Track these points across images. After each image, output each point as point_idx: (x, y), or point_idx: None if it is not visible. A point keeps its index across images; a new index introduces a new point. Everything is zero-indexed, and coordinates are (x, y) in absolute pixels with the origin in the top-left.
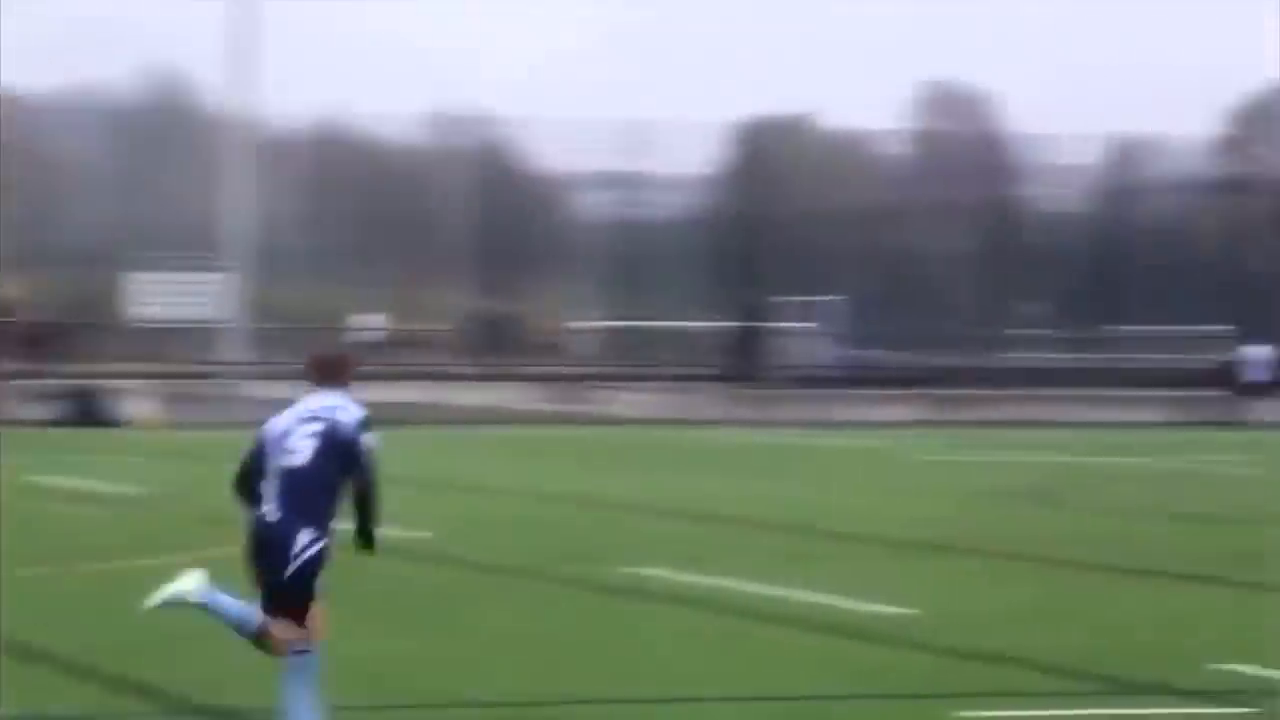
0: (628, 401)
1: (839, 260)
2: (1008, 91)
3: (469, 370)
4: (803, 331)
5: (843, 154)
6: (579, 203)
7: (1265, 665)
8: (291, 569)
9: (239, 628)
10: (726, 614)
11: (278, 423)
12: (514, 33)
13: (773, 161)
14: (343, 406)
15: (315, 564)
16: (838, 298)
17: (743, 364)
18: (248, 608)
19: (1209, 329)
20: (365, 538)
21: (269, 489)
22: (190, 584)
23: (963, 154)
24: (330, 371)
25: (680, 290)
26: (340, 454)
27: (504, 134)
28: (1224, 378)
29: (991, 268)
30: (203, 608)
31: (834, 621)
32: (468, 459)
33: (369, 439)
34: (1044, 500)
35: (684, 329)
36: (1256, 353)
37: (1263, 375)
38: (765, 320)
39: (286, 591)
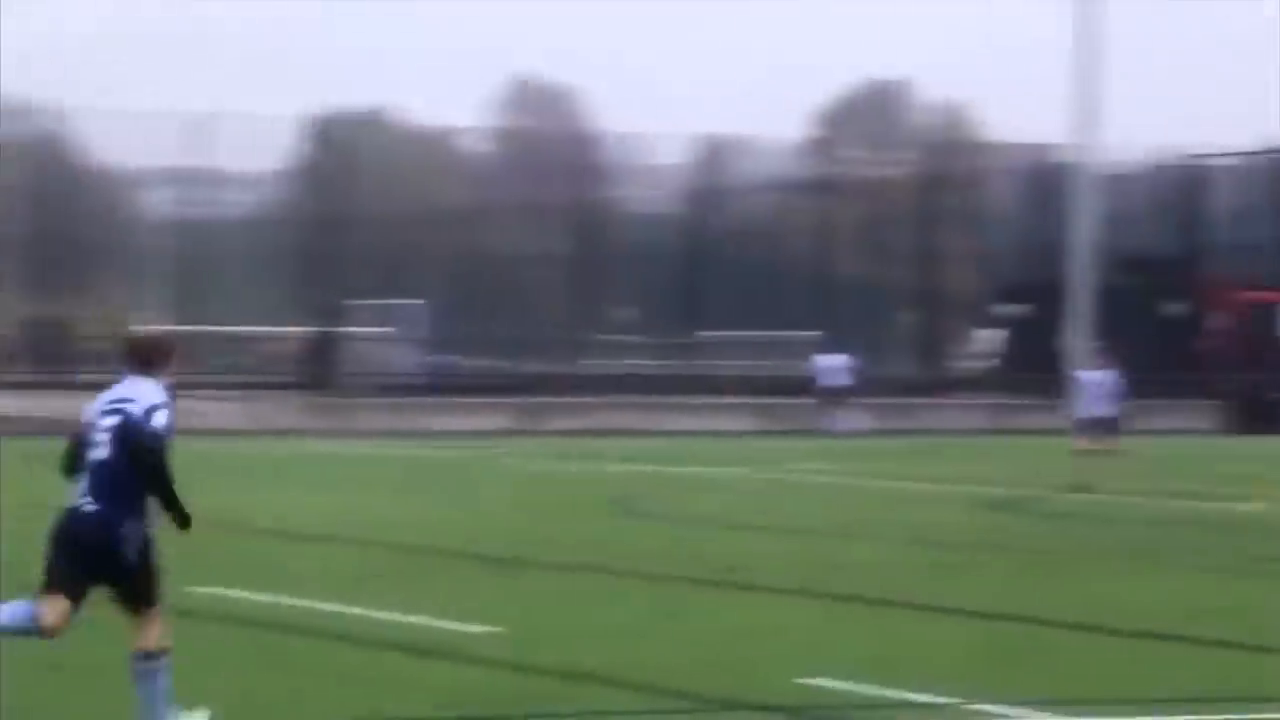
0: (197, 411)
1: (420, 262)
2: (595, 89)
3: (22, 378)
4: (381, 337)
5: (426, 151)
6: (141, 200)
7: (848, 679)
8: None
9: (23, 631)
10: (307, 635)
11: (90, 409)
12: (55, 13)
13: (349, 158)
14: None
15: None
16: (417, 302)
17: (318, 371)
18: (18, 608)
19: (798, 335)
20: (177, 519)
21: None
22: None
23: (550, 153)
24: (144, 358)
25: (252, 293)
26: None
27: (57, 125)
28: (808, 385)
29: (580, 271)
30: None
31: (418, 641)
32: (22, 472)
33: (160, 426)
34: (632, 511)
35: (256, 334)
36: (832, 360)
37: (841, 381)
38: (341, 325)
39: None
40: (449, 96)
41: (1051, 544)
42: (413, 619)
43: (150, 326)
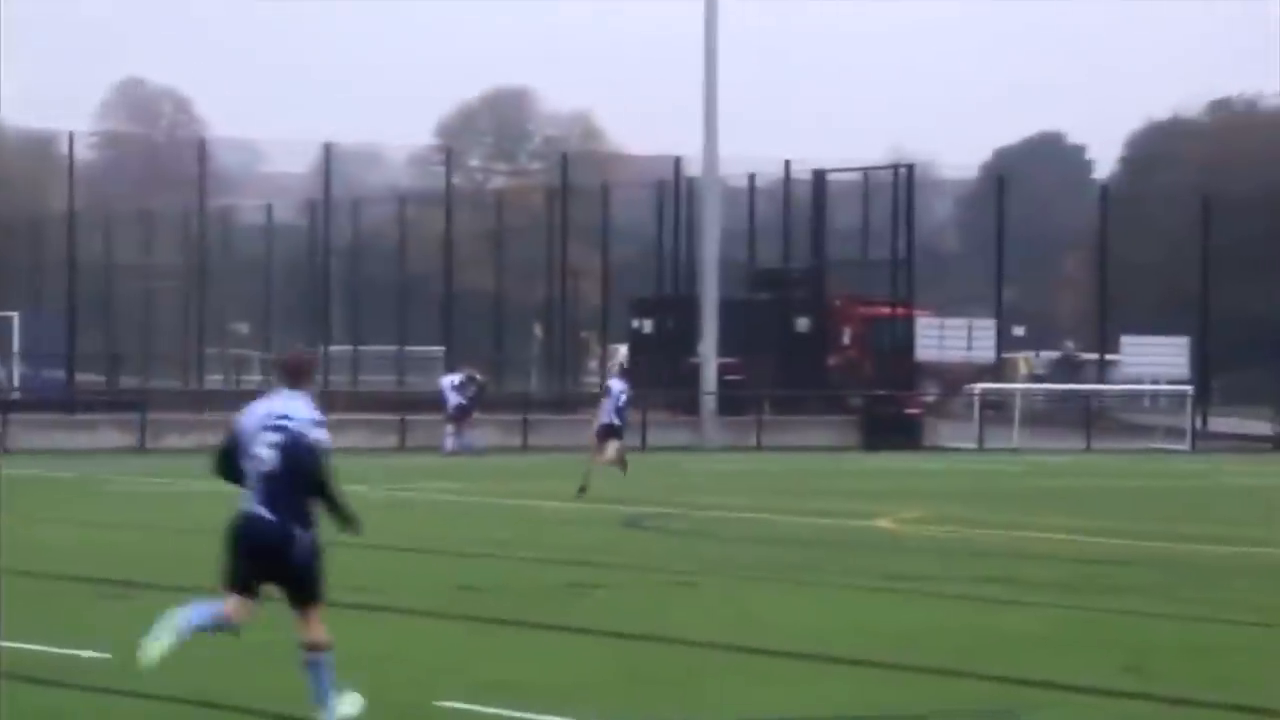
0: None
1: (17, 272)
2: (208, 93)
3: None
4: None
5: (26, 155)
6: None
7: (480, 701)
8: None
9: (214, 627)
10: None
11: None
12: None
13: None
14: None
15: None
16: (8, 314)
17: None
18: (206, 608)
19: (423, 350)
20: (343, 523)
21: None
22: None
23: (161, 159)
24: (295, 374)
25: None
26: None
27: None
28: (437, 402)
29: (194, 283)
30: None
31: (25, 667)
32: None
33: (321, 439)
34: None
35: None
36: (448, 379)
37: (463, 398)
38: None
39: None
40: (52, 98)
41: (688, 562)
42: (20, 645)
43: (298, 346)
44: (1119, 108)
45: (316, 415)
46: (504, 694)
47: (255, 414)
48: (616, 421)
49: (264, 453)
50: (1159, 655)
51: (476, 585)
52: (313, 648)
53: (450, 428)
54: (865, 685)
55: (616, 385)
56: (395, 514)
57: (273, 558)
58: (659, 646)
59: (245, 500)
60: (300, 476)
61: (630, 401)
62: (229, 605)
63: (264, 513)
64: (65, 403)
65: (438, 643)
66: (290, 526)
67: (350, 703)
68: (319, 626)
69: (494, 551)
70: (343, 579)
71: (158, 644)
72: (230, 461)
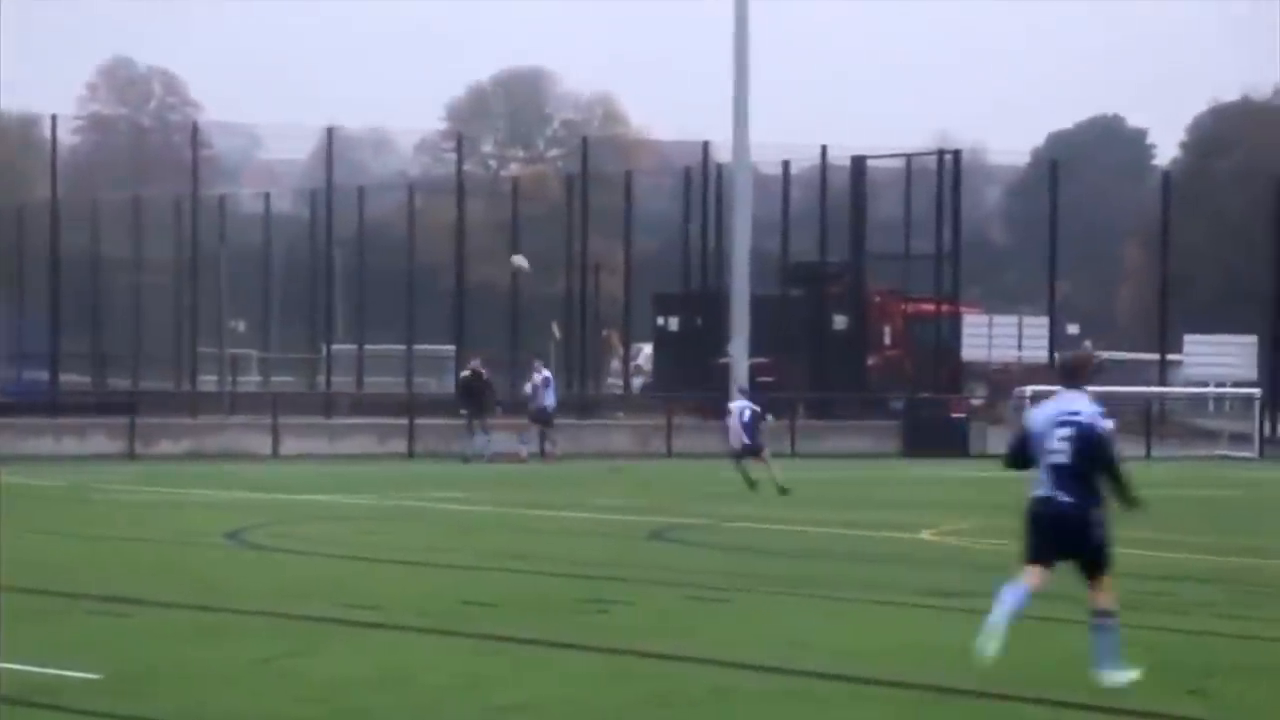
0: None
1: None
2: (201, 74)
3: None
4: None
5: (5, 140)
6: None
7: None
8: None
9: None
10: None
11: (1039, 416)
12: None
13: None
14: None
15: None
16: None
17: None
18: (1017, 590)
19: (434, 349)
20: (1128, 503)
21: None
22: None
23: (150, 144)
24: (1074, 373)
25: None
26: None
27: None
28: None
29: (187, 277)
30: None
31: (11, 688)
32: None
33: (1107, 429)
34: (249, 543)
35: None
36: (540, 376)
37: (550, 400)
38: None
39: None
40: (33, 79)
41: (717, 577)
42: (4, 665)
43: (1082, 347)
44: (1181, 89)
45: (1099, 408)
46: (517, 717)
47: (1044, 414)
48: (747, 441)
49: (1058, 445)
50: (1225, 678)
51: (488, 600)
52: (1103, 614)
53: (529, 433)
54: (906, 708)
55: (736, 405)
56: (402, 525)
57: (1073, 535)
58: (685, 667)
59: (1041, 487)
60: (1092, 462)
61: (757, 417)
62: (1031, 577)
63: (1063, 497)
64: (49, 406)
65: (446, 662)
66: (1087, 507)
67: (1126, 675)
68: (1109, 594)
69: (507, 565)
70: (345, 596)
71: (993, 640)
72: (1021, 454)
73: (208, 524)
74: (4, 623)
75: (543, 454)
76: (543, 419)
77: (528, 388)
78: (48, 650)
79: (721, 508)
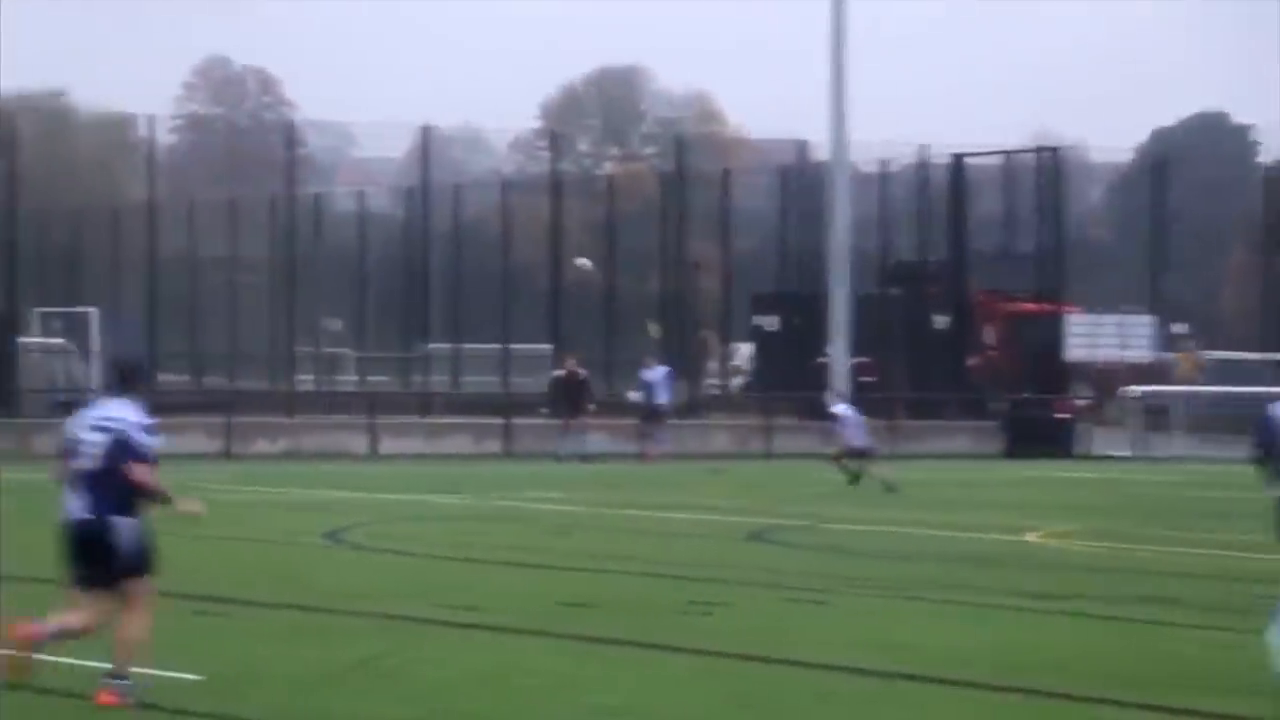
0: None
1: (97, 264)
2: (298, 74)
3: None
4: (54, 349)
5: (104, 140)
6: None
7: None
8: None
9: None
10: None
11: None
12: None
13: (10, 144)
14: None
15: None
16: (89, 309)
17: None
18: None
19: (530, 348)
20: None
21: None
22: None
23: (248, 143)
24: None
25: None
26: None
27: None
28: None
29: (284, 276)
30: None
31: None
32: None
33: None
34: (349, 543)
35: None
36: (658, 371)
37: (666, 396)
38: (15, 334)
39: None
40: (129, 79)
41: (816, 579)
42: (102, 664)
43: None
44: None
45: None
46: None
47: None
48: (861, 444)
49: None
50: None
51: (587, 602)
52: None
53: (650, 429)
54: (1007, 712)
55: (842, 409)
56: (500, 526)
57: None
58: (784, 670)
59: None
60: None
61: (860, 422)
62: None
63: None
64: (147, 405)
65: (543, 664)
66: None
67: None
68: None
69: (606, 566)
70: (443, 596)
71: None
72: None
73: (306, 524)
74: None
75: (641, 455)
76: (655, 415)
77: (641, 384)
78: (147, 650)
79: (821, 509)
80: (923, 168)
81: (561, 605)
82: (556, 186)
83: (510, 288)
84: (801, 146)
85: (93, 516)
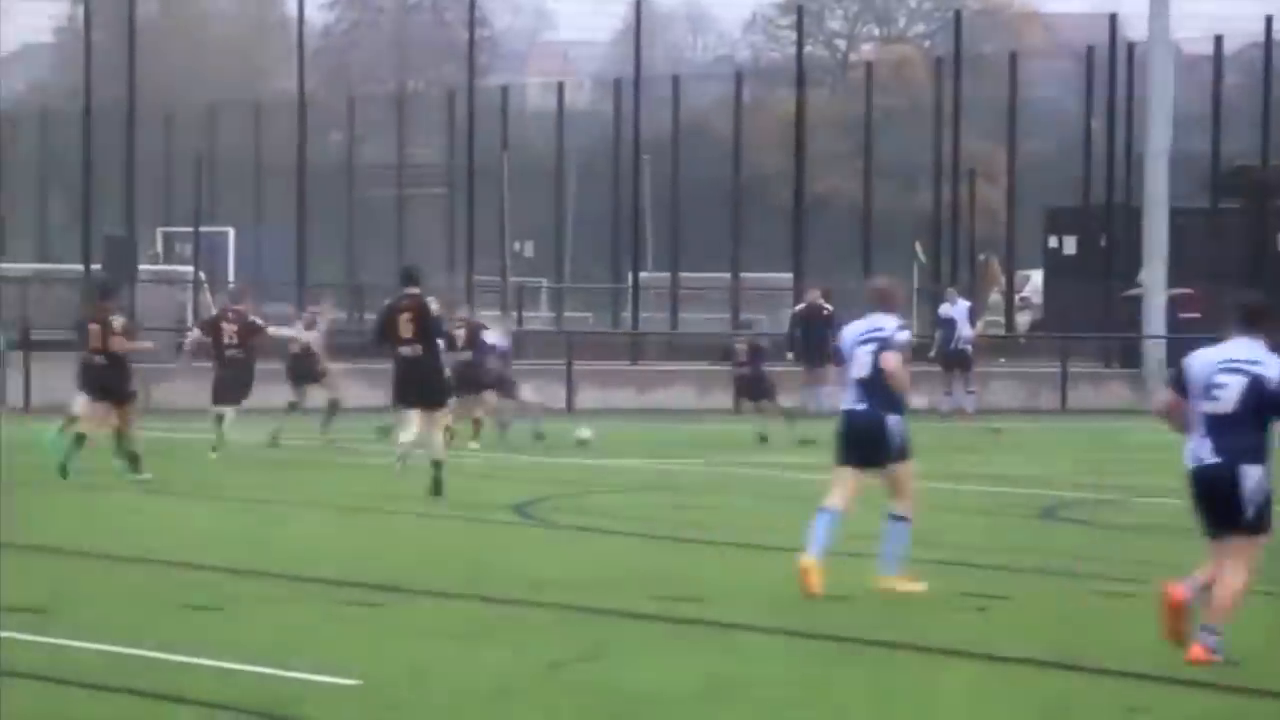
0: None
1: (233, 177)
2: None
3: None
4: (178, 278)
5: (247, 26)
6: None
7: None
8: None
9: None
10: (97, 689)
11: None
12: None
13: (128, 31)
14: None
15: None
16: (224, 230)
17: None
18: None
19: (767, 277)
20: None
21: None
22: None
23: (417, 29)
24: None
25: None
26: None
27: None
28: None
29: (461, 190)
30: None
31: (249, 697)
32: None
33: None
34: (538, 518)
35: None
36: (960, 305)
37: (968, 333)
38: (131, 261)
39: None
40: None
41: (1125, 566)
42: (246, 667)
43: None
44: None
45: None
46: None
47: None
48: None
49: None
50: None
51: (838, 593)
52: None
53: (956, 376)
54: None
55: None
56: (730, 497)
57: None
58: (1086, 679)
59: None
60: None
61: None
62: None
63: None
64: None
65: (786, 670)
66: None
67: None
68: None
69: (863, 549)
70: (658, 585)
71: None
72: None
73: (489, 494)
74: (242, 617)
75: (953, 412)
76: (961, 361)
77: (939, 322)
78: (294, 650)
79: (1133, 478)
80: (1268, 46)
81: (809, 598)
82: (802, 76)
83: (742, 203)
84: (1110, 22)
85: (1219, 461)
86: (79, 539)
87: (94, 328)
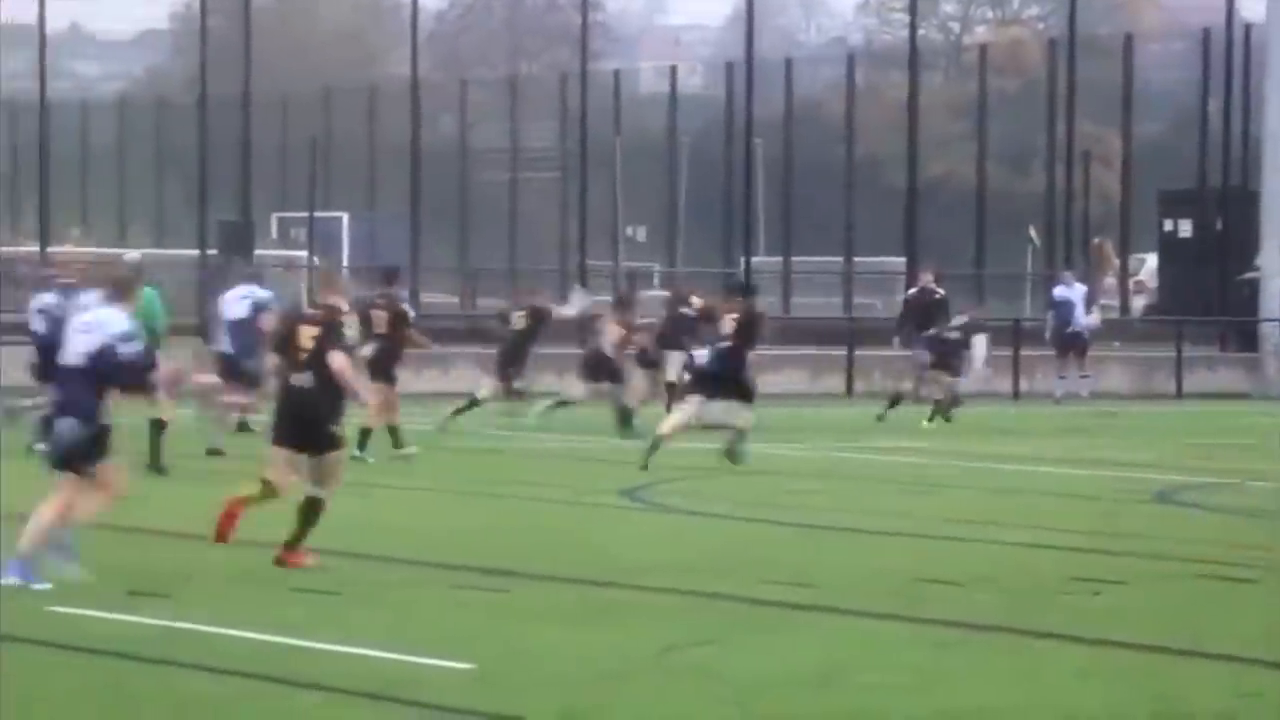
0: None
1: (349, 162)
2: None
3: None
4: (290, 263)
5: (357, 12)
6: None
7: None
8: None
9: None
10: (215, 672)
11: None
12: None
13: (242, 20)
14: None
15: None
16: (337, 215)
17: None
18: None
19: (879, 261)
20: None
21: None
22: None
23: (527, 12)
24: None
25: (112, 201)
26: None
27: None
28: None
29: (572, 175)
30: None
31: (363, 680)
32: None
33: None
34: (649, 503)
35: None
36: (1076, 288)
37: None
38: (245, 247)
39: None
40: None
41: (1240, 551)
42: (362, 651)
43: None
44: None
45: None
46: None
47: None
48: None
49: None
50: None
51: (948, 578)
52: None
53: (1071, 360)
54: None
55: None
56: (841, 482)
57: None
58: (1197, 665)
59: None
60: None
61: None
62: None
63: None
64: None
65: (894, 656)
66: None
67: None
68: None
69: (973, 534)
70: (769, 570)
71: None
72: None
73: (601, 478)
74: (359, 602)
75: (1066, 396)
76: (1076, 345)
77: (1053, 303)
78: (409, 633)
79: (1248, 462)
80: None
81: (918, 582)
82: (915, 58)
83: (855, 186)
84: (1226, 3)
85: None
86: (196, 524)
87: (377, 314)
